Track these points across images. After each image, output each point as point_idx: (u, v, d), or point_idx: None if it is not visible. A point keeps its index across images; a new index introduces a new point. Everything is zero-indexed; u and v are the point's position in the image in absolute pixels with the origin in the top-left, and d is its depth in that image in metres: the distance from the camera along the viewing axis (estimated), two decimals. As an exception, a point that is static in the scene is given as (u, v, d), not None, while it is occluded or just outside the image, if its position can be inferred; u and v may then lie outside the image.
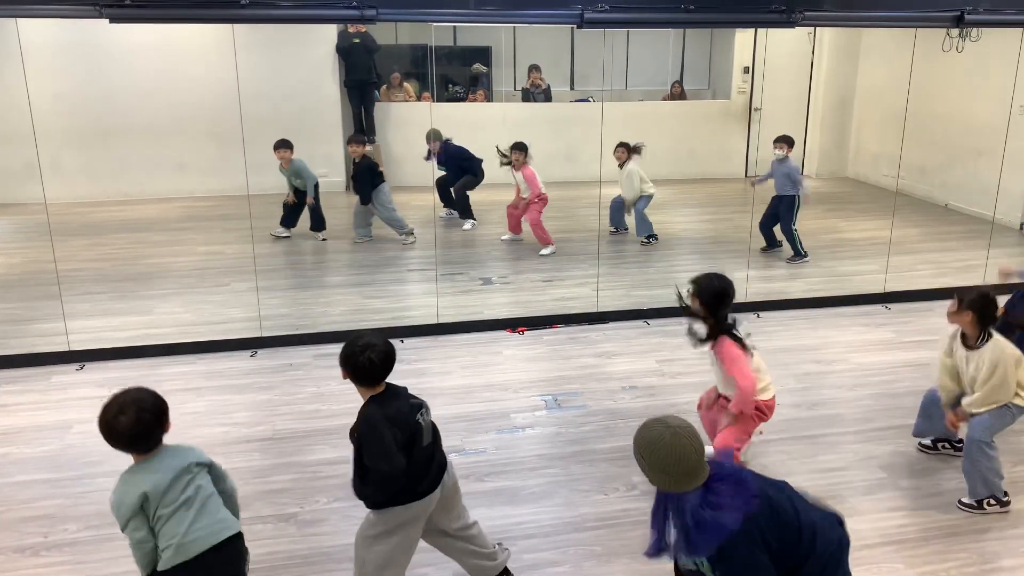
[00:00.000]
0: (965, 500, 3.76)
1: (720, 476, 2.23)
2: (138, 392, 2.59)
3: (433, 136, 8.60)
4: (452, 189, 8.76)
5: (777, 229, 7.62)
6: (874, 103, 10.83)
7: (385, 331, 5.79)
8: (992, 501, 3.71)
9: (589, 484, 3.95)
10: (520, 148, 7.75)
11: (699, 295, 3.62)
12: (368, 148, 8.19)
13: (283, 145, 7.81)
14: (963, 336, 3.76)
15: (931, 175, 9.86)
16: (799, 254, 7.42)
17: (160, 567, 2.52)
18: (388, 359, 2.87)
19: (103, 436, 2.52)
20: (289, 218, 8.09)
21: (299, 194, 8.01)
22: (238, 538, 2.65)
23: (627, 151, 7.98)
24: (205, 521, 2.56)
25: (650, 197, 8.04)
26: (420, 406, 2.92)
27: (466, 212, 8.74)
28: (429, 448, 2.91)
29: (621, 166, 8.00)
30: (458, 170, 8.69)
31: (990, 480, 3.69)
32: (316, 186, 7.97)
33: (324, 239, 8.05)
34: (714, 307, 3.60)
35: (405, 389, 2.97)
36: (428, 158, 8.71)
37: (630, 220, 8.20)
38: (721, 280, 3.64)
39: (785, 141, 7.55)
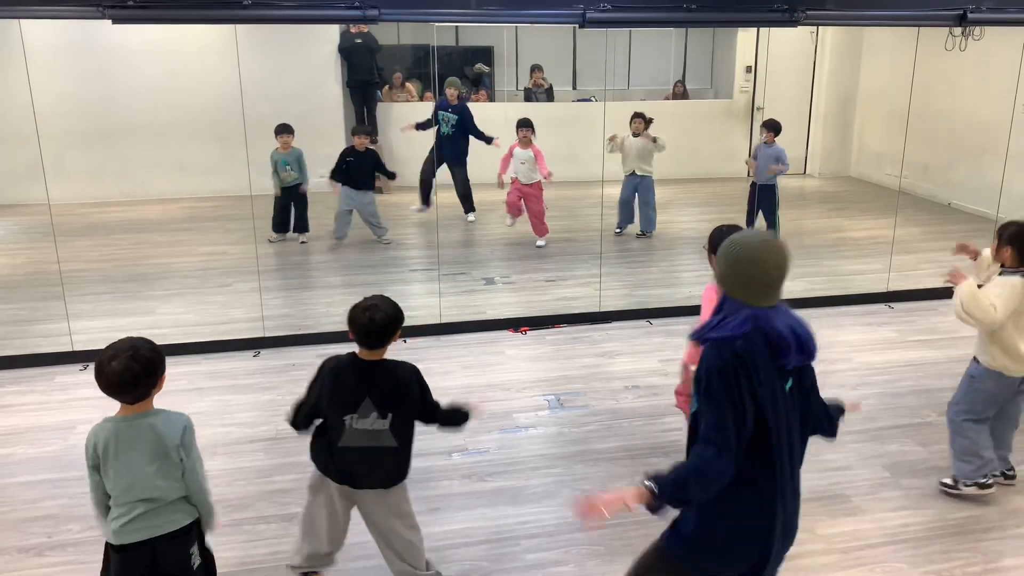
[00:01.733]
0: (944, 480, 3.80)
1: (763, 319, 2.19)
2: (136, 341, 2.56)
3: (453, 84, 8.60)
4: (456, 180, 8.70)
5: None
6: (877, 102, 10.82)
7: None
8: (968, 482, 3.73)
9: (592, 484, 3.94)
10: (528, 125, 7.82)
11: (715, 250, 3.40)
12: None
13: (285, 130, 7.72)
14: (1002, 268, 3.63)
15: (934, 174, 9.84)
16: None
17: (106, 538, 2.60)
18: (374, 328, 2.80)
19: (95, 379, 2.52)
20: (282, 221, 7.96)
21: (285, 190, 7.85)
22: (180, 532, 2.62)
23: (644, 123, 8.08)
24: (147, 522, 2.55)
25: (652, 181, 8.19)
26: (354, 412, 2.83)
27: (471, 202, 8.79)
28: (356, 450, 2.87)
29: (636, 135, 8.07)
30: (447, 143, 8.58)
31: (965, 461, 3.71)
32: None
33: (304, 242, 7.98)
34: None
35: (398, 391, 2.89)
36: (427, 123, 8.59)
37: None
38: (731, 228, 3.43)
39: (768, 127, 7.71)
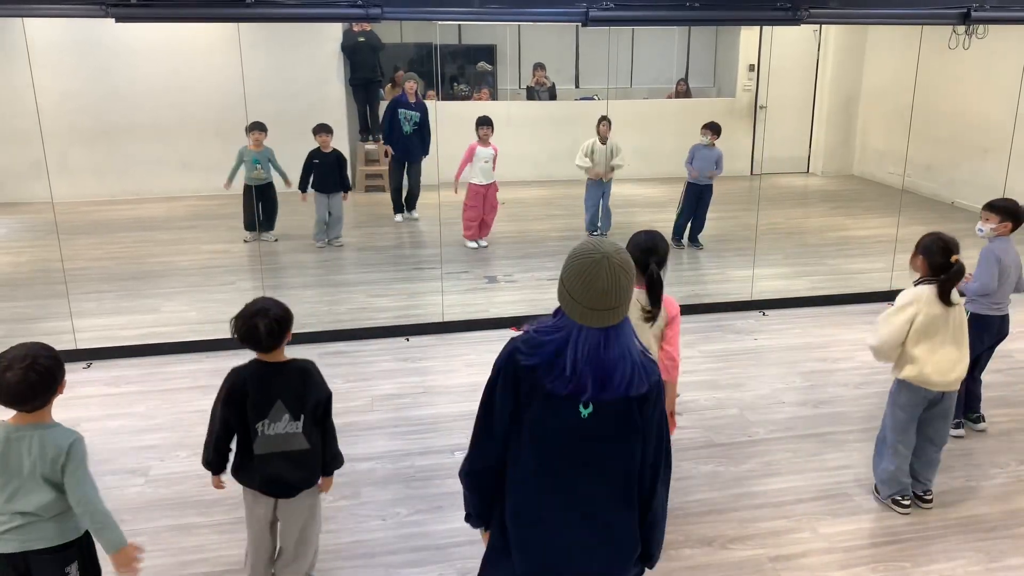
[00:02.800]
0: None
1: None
2: (34, 348, 2.48)
3: (412, 77, 8.51)
4: (411, 176, 8.65)
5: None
6: (880, 100, 10.80)
7: (390, 329, 5.83)
8: (884, 496, 3.76)
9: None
10: (488, 123, 7.74)
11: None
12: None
13: (257, 127, 7.54)
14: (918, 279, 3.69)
15: (937, 172, 9.83)
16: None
17: None
18: (254, 333, 2.81)
19: None
20: (253, 219, 7.84)
21: (255, 189, 7.67)
22: (55, 549, 2.49)
23: (610, 126, 7.95)
24: (21, 536, 2.44)
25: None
26: (265, 418, 2.81)
27: (415, 202, 8.82)
28: (272, 456, 2.85)
29: (603, 141, 7.89)
30: (410, 142, 8.52)
31: (883, 482, 3.73)
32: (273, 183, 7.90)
33: (275, 239, 7.96)
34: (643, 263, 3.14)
35: (308, 388, 2.88)
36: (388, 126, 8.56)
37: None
38: (648, 235, 3.30)
39: (711, 128, 7.79)
